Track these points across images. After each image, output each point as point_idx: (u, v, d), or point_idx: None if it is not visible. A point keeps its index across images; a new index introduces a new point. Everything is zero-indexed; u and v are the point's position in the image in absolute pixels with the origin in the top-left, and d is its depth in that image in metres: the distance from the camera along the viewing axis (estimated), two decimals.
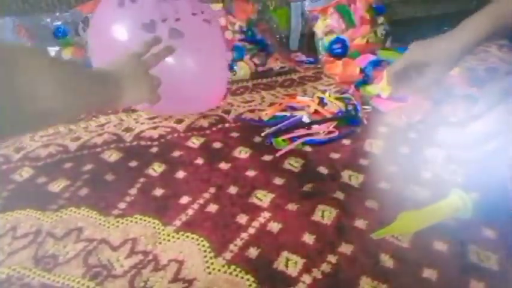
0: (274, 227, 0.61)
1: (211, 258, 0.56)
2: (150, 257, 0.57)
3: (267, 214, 0.63)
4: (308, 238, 0.58)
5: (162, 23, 0.77)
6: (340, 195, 0.67)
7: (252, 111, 0.95)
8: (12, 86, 0.35)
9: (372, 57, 1.05)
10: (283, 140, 0.81)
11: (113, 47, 0.79)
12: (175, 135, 0.87)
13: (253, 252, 0.57)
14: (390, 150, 0.78)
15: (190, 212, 0.65)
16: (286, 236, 0.59)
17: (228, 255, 0.56)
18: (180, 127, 0.89)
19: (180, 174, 0.74)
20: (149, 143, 0.85)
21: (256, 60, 1.13)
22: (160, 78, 0.67)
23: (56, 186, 0.72)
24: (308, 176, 0.72)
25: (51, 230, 0.63)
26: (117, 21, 0.78)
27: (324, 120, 0.87)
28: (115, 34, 0.78)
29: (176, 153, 0.80)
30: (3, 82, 0.35)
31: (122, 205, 0.67)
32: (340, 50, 1.15)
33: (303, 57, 1.24)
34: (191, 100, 0.89)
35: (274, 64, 1.15)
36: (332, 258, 0.55)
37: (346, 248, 0.56)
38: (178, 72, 0.81)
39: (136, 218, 0.64)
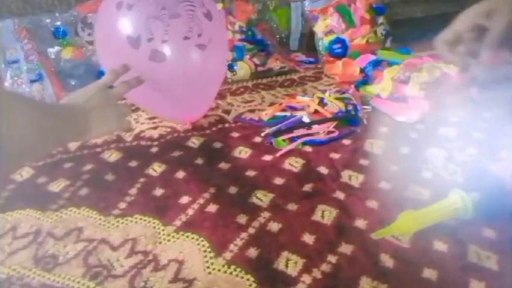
0: (274, 227, 0.61)
1: (211, 258, 0.56)
2: (150, 257, 0.57)
3: (267, 214, 0.63)
4: (308, 238, 0.58)
5: (148, 42, 0.73)
6: (340, 195, 0.67)
7: (252, 111, 0.95)
8: None
9: (372, 57, 1.05)
10: (283, 140, 0.81)
11: (113, 47, 0.78)
12: (175, 135, 0.87)
13: (253, 252, 0.57)
14: (390, 150, 0.78)
15: (190, 212, 0.65)
16: (286, 236, 0.59)
17: (228, 255, 0.56)
18: (180, 127, 0.89)
19: (180, 174, 0.74)
20: (149, 143, 0.85)
21: (256, 60, 1.13)
22: (129, 106, 0.67)
23: (56, 186, 0.72)
24: (308, 176, 0.72)
25: (51, 230, 0.63)
26: (112, 24, 0.76)
27: (324, 120, 0.87)
28: (111, 36, 0.77)
29: (176, 153, 0.80)
30: None
31: (122, 205, 0.67)
32: (340, 50, 1.15)
33: (303, 57, 1.24)
34: (165, 110, 0.88)
35: (274, 64, 1.15)
36: (332, 258, 0.55)
37: (346, 248, 0.56)
38: (157, 87, 0.77)
39: (136, 218, 0.64)
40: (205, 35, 0.77)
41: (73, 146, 0.84)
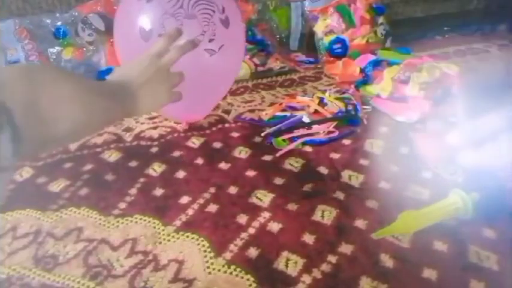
0: (274, 227, 0.61)
1: (211, 258, 0.56)
2: (150, 257, 0.57)
3: (267, 214, 0.63)
4: (308, 238, 0.58)
5: (158, 36, 0.73)
6: (340, 195, 0.67)
7: (252, 111, 0.95)
8: (35, 109, 0.35)
9: (372, 57, 1.05)
10: (283, 140, 0.81)
11: (126, 36, 0.79)
12: (175, 135, 0.87)
13: (253, 252, 0.57)
14: (390, 150, 0.78)
15: (190, 212, 0.65)
16: (286, 236, 0.59)
17: (228, 255, 0.56)
18: (180, 127, 0.89)
19: (180, 174, 0.74)
20: (149, 143, 0.85)
21: (256, 60, 1.13)
22: (183, 73, 0.61)
23: (56, 186, 0.72)
24: (308, 176, 0.72)
25: (51, 230, 0.63)
26: (130, 14, 0.77)
27: (324, 120, 0.87)
28: (126, 25, 0.78)
29: (176, 153, 0.80)
30: (26, 105, 0.34)
31: (122, 205, 0.67)
32: (340, 50, 1.15)
33: (303, 57, 1.24)
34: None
35: (274, 64, 1.15)
36: (332, 258, 0.55)
37: (346, 248, 0.56)
38: None
39: (136, 218, 0.64)
40: (218, 41, 0.76)
41: (73, 145, 0.84)
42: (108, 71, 1.04)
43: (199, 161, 0.78)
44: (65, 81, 0.40)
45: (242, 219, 0.62)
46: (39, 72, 0.38)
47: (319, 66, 1.19)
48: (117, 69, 0.55)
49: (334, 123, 0.86)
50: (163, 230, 0.61)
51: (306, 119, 0.86)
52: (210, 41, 0.76)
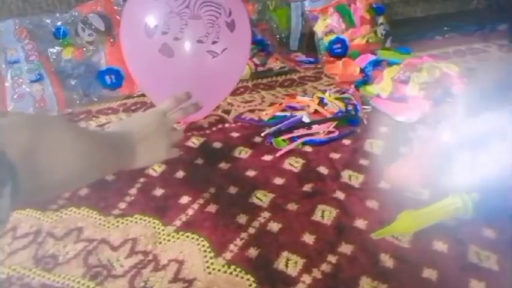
0: (274, 227, 0.61)
1: (211, 258, 0.56)
2: (150, 257, 0.57)
3: (267, 214, 0.63)
4: (308, 238, 0.58)
5: (162, 34, 0.74)
6: (340, 195, 0.67)
7: (252, 111, 0.95)
8: (33, 160, 0.34)
9: (372, 57, 1.05)
10: (283, 140, 0.81)
11: (131, 31, 0.80)
12: None
13: (253, 252, 0.57)
14: (390, 150, 0.78)
15: (190, 212, 0.65)
16: (286, 236, 0.59)
17: (228, 255, 0.56)
18: (180, 127, 0.89)
19: (180, 174, 0.74)
20: None
21: (256, 60, 1.13)
22: (182, 132, 0.65)
23: None
24: (308, 176, 0.72)
25: (51, 230, 0.63)
26: (137, 9, 0.78)
27: (324, 120, 0.87)
28: (132, 20, 0.80)
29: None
30: (26, 156, 0.34)
31: (122, 205, 0.67)
32: (340, 50, 1.15)
33: (303, 57, 1.24)
34: None
35: (274, 64, 1.15)
36: (332, 258, 0.55)
37: (346, 248, 0.56)
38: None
39: (136, 218, 0.64)
40: (221, 43, 0.77)
41: None
42: (108, 71, 1.04)
43: (199, 161, 0.78)
44: (65, 132, 0.40)
45: (242, 219, 0.62)
46: (39, 122, 0.38)
47: (319, 66, 1.19)
48: (121, 120, 0.56)
49: (334, 123, 0.86)
50: (163, 230, 0.61)
51: (306, 119, 0.86)
52: (214, 43, 0.76)
